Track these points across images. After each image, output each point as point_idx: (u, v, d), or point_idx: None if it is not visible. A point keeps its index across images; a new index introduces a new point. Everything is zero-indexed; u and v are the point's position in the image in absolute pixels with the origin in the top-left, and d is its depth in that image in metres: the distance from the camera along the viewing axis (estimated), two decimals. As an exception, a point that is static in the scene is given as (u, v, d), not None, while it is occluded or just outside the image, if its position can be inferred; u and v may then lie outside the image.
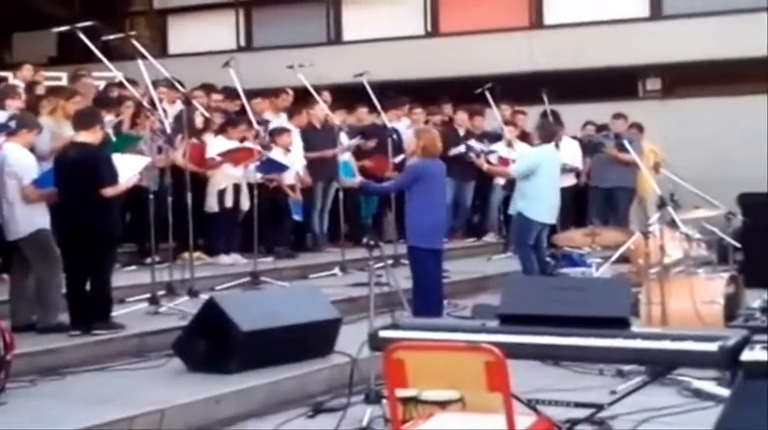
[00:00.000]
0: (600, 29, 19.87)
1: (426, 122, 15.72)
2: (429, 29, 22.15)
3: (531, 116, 16.44)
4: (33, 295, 8.94)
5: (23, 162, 8.91)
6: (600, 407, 6.24)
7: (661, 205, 9.61)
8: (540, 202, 11.71)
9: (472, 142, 14.97)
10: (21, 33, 24.16)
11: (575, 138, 16.50)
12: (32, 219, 8.87)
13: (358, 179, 12.75)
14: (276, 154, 13.03)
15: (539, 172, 11.69)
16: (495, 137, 16.04)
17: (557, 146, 14.99)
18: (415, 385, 5.13)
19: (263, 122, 13.57)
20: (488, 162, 13.98)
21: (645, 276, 9.55)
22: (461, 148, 14.88)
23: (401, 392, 5.28)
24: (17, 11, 23.01)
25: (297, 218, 13.47)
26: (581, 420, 6.05)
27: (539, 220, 11.74)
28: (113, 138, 10.82)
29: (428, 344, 5.22)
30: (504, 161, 14.40)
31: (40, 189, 8.90)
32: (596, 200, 16.09)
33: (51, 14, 21.44)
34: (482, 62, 19.73)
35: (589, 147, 16.19)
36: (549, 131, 12.23)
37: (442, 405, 5.86)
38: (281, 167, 12.92)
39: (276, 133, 13.49)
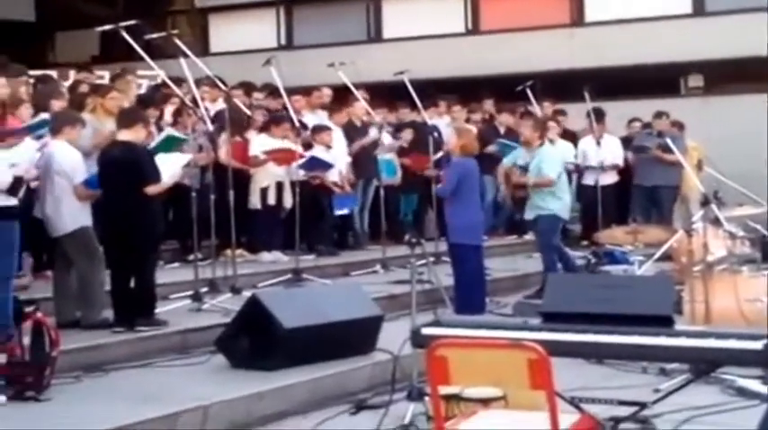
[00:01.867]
0: (642, 26, 19.76)
1: (467, 120, 15.71)
2: (470, 26, 22.12)
3: (572, 113, 16.42)
4: (76, 292, 9.01)
5: (71, 160, 8.96)
6: (643, 406, 6.22)
7: (704, 203, 9.54)
8: (564, 199, 11.81)
9: (500, 147, 14.90)
10: (64, 33, 24.34)
11: (623, 136, 16.42)
12: (76, 216, 8.94)
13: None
14: (317, 151, 13.07)
15: (562, 171, 11.82)
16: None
17: (598, 143, 15.03)
18: (458, 382, 5.14)
19: (302, 121, 13.59)
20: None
21: (688, 274, 9.48)
22: (493, 148, 14.83)
23: (444, 389, 5.27)
24: (60, 11, 23.20)
25: (340, 212, 13.45)
26: (624, 418, 6.03)
27: (564, 217, 11.82)
28: (159, 139, 10.88)
29: (471, 341, 5.22)
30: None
31: (90, 189, 8.97)
32: (639, 198, 16.01)
33: (94, 14, 21.60)
34: (523, 59, 19.69)
35: (634, 148, 16.09)
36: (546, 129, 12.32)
37: (485, 402, 5.85)
38: (326, 165, 12.97)
39: (317, 131, 13.52)
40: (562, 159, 12.01)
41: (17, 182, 8.03)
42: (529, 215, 11.87)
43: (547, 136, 12.19)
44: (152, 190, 8.90)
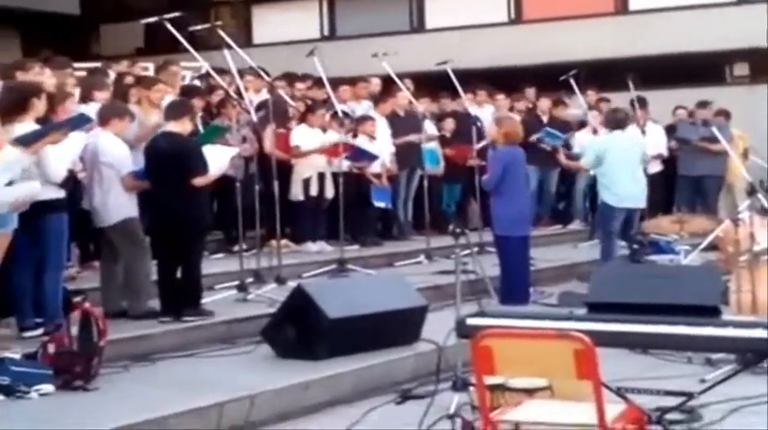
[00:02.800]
0: (686, 13, 19.66)
1: (511, 109, 15.68)
2: (513, 16, 22.10)
3: (616, 102, 16.33)
4: (123, 282, 9.08)
5: (119, 152, 9.02)
6: (690, 396, 6.18)
7: (751, 192, 9.49)
8: (615, 188, 11.75)
9: (545, 135, 14.88)
10: (108, 25, 24.54)
11: (667, 125, 16.32)
12: (122, 207, 9.00)
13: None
14: (361, 142, 13.10)
15: (607, 159, 11.77)
16: (579, 124, 15.96)
17: (642, 132, 14.95)
18: (503, 372, 5.14)
19: (345, 111, 13.60)
20: (568, 156, 13.88)
21: (734, 264, 9.43)
22: (537, 135, 14.83)
23: (489, 379, 5.26)
24: (105, 3, 23.37)
25: (379, 204, 13.47)
26: (671, 409, 6.00)
27: (619, 206, 11.74)
28: (201, 129, 10.95)
29: (517, 331, 5.22)
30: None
31: (138, 180, 9.05)
32: (684, 188, 15.92)
33: (138, 6, 21.79)
34: (566, 48, 19.64)
35: (676, 139, 16.00)
36: (617, 119, 12.19)
37: (531, 392, 5.85)
38: (371, 156, 13.00)
39: (360, 121, 13.55)
40: (603, 148, 11.92)
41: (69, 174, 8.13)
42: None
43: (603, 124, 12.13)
44: (199, 181, 8.96)
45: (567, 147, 14.70)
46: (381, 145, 13.53)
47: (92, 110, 9.72)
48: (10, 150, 7.24)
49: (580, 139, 15.01)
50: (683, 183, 15.95)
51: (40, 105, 8.02)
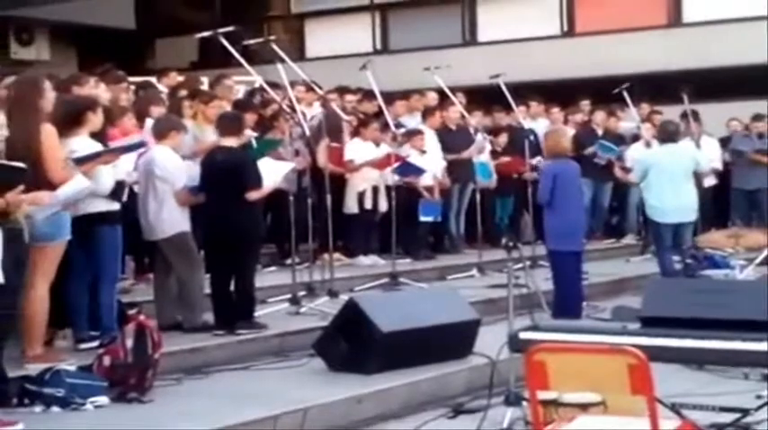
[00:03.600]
0: (740, 25, 19.47)
1: (565, 122, 15.64)
2: (565, 28, 22.02)
3: (669, 115, 16.21)
4: (177, 295, 9.14)
5: (173, 166, 9.07)
6: (745, 412, 6.14)
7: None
8: (660, 203, 11.70)
9: (599, 148, 14.84)
10: (163, 39, 24.75)
11: (721, 138, 16.20)
12: (176, 221, 9.04)
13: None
14: (410, 156, 13.10)
15: (651, 173, 11.71)
16: (633, 137, 15.88)
17: (697, 145, 14.84)
18: (557, 387, 5.10)
19: (398, 125, 13.61)
20: (622, 169, 13.83)
21: (790, 278, 9.31)
22: (591, 149, 14.79)
23: (542, 394, 5.25)
24: (160, 18, 23.59)
25: (426, 219, 13.43)
26: (726, 425, 5.96)
27: (664, 221, 11.68)
28: (254, 143, 11.01)
29: (570, 346, 5.19)
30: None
31: (192, 195, 9.12)
32: (739, 202, 15.79)
33: (192, 21, 21.97)
34: (619, 61, 19.54)
35: (731, 151, 15.87)
36: (668, 131, 12.13)
37: (584, 408, 5.81)
38: (419, 171, 13.00)
39: (410, 135, 13.55)
40: (649, 163, 11.87)
41: (119, 186, 8.20)
42: None
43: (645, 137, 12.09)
44: (253, 195, 9.01)
45: (620, 160, 14.66)
46: (431, 158, 13.53)
47: (148, 125, 9.83)
48: (80, 179, 7.37)
49: (633, 153, 14.94)
50: (737, 197, 15.82)
51: (95, 119, 8.12)
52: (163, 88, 12.82)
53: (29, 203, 6.70)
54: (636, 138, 15.75)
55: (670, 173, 11.75)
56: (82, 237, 7.82)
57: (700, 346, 5.69)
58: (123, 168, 8.41)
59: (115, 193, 8.16)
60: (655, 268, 12.04)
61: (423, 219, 13.31)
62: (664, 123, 12.74)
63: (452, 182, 14.12)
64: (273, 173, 9.44)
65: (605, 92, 16.22)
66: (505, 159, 14.69)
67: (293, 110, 11.30)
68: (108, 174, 8.01)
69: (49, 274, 7.56)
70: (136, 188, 9.17)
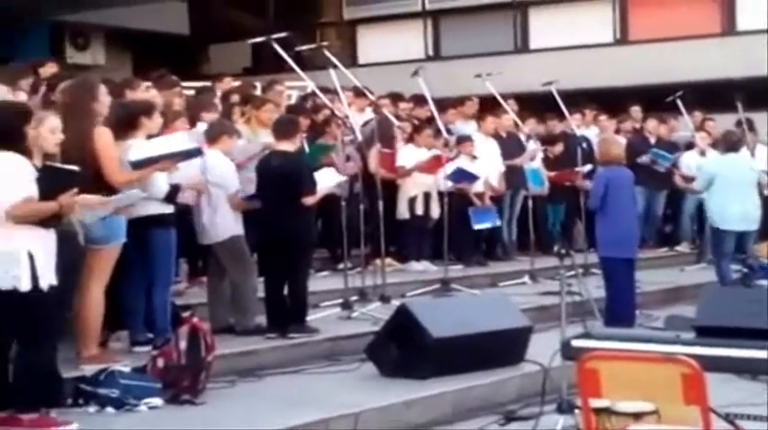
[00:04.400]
0: (796, 34, 19.29)
1: (617, 131, 15.57)
2: (618, 36, 21.93)
3: (723, 124, 16.09)
4: (230, 298, 9.20)
5: (225, 170, 9.14)
6: (800, 423, 6.08)
7: None
8: (723, 211, 11.64)
9: (653, 156, 14.77)
10: (217, 45, 24.93)
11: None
12: (229, 225, 9.11)
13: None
14: (462, 162, 13.10)
15: (717, 181, 11.68)
16: (686, 145, 15.78)
17: (752, 154, 14.72)
18: (609, 395, 5.09)
19: (450, 132, 13.61)
20: (683, 178, 13.75)
21: None
22: (646, 158, 14.73)
23: (595, 402, 5.23)
24: (214, 24, 23.76)
25: (480, 227, 13.41)
26: (781, 436, 5.91)
27: (728, 229, 11.60)
28: (307, 148, 11.07)
29: (624, 354, 5.17)
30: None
31: (248, 200, 9.18)
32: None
33: (246, 26, 22.08)
34: (673, 69, 19.44)
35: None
36: (731, 141, 12.07)
37: (637, 417, 5.78)
38: (472, 177, 13.00)
39: (461, 141, 13.55)
40: (714, 171, 11.83)
41: (174, 190, 8.27)
42: None
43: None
44: (309, 200, 9.08)
45: (675, 168, 14.59)
46: (488, 164, 13.51)
47: (198, 129, 9.89)
48: (135, 191, 7.46)
49: (688, 161, 14.85)
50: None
51: (149, 124, 8.18)
52: (218, 93, 12.93)
53: (80, 206, 6.76)
54: (689, 146, 15.65)
55: (736, 181, 11.74)
56: (136, 240, 7.89)
57: (754, 356, 5.64)
58: (186, 175, 8.47)
59: (169, 197, 8.23)
60: (710, 277, 11.95)
61: (476, 227, 13.29)
62: (727, 133, 12.69)
63: (504, 188, 14.10)
64: (325, 179, 9.49)
65: (657, 100, 16.13)
66: (559, 173, 14.60)
67: (345, 115, 11.34)
68: (162, 179, 8.08)
69: (105, 277, 7.65)
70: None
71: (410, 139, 13.02)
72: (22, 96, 10.14)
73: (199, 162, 8.69)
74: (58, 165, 6.67)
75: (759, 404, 7.05)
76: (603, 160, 10.78)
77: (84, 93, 7.81)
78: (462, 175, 12.88)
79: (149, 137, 8.25)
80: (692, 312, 8.39)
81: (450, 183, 12.58)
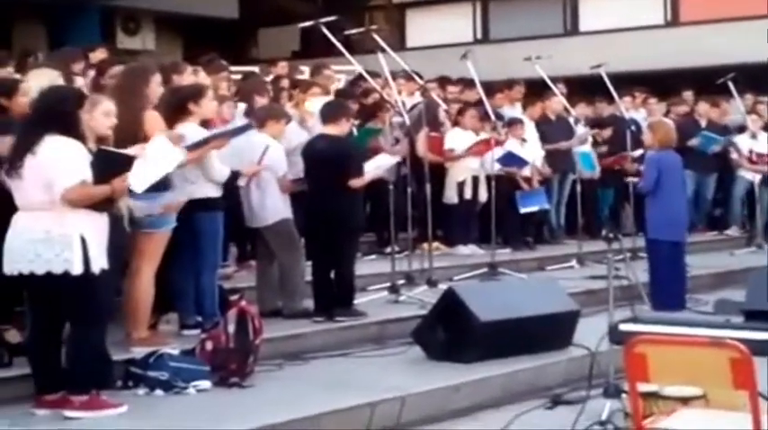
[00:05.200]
0: None
1: (667, 113, 15.46)
2: (669, 18, 21.78)
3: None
4: (278, 282, 9.24)
5: (275, 154, 9.14)
6: None
7: None
8: None
9: (702, 139, 14.67)
10: (266, 29, 25.02)
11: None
12: (278, 208, 9.14)
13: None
14: (512, 145, 13.07)
15: None
16: (738, 128, 15.65)
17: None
18: (657, 380, 5.07)
19: (498, 115, 13.57)
20: (750, 160, 13.61)
21: None
22: (696, 141, 14.62)
23: (642, 387, 5.21)
24: (263, 8, 23.83)
25: (525, 210, 13.37)
26: (830, 420, 5.85)
27: None
28: (355, 132, 11.09)
29: (671, 338, 5.13)
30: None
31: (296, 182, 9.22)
32: None
33: (295, 11, 22.16)
34: (724, 52, 19.27)
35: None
36: None
37: (685, 401, 5.77)
38: (522, 161, 12.98)
39: (511, 124, 13.52)
40: None
41: (233, 175, 8.33)
42: None
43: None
44: (356, 183, 9.08)
45: (726, 151, 14.46)
46: (530, 148, 13.48)
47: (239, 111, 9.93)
48: (163, 141, 7.29)
49: (740, 143, 14.72)
50: None
51: (198, 109, 8.21)
52: (268, 77, 13.00)
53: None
54: (741, 129, 15.51)
55: None
56: (185, 224, 7.94)
57: (804, 341, 5.59)
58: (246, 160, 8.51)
59: (228, 182, 8.29)
60: (760, 261, 11.83)
61: (524, 210, 13.25)
62: None
63: (552, 172, 14.05)
64: (377, 163, 9.52)
65: (708, 82, 15.98)
66: (611, 158, 14.50)
67: (393, 99, 11.34)
68: (221, 162, 8.13)
69: (155, 260, 7.72)
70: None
71: (456, 123, 12.99)
72: (79, 82, 10.24)
73: (259, 148, 8.74)
74: (112, 149, 6.70)
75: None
76: (659, 145, 10.69)
77: (137, 77, 7.88)
78: (512, 159, 12.85)
79: (203, 122, 8.32)
80: (741, 296, 8.39)
81: (498, 167, 12.56)
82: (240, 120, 9.64)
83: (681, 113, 15.80)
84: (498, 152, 12.57)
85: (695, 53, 19.92)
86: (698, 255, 12.91)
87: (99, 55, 12.20)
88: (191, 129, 8.02)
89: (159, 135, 7.33)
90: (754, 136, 14.64)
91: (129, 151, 6.74)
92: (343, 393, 7.06)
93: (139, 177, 6.71)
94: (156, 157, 6.99)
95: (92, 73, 10.86)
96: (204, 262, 8.26)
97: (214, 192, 8.24)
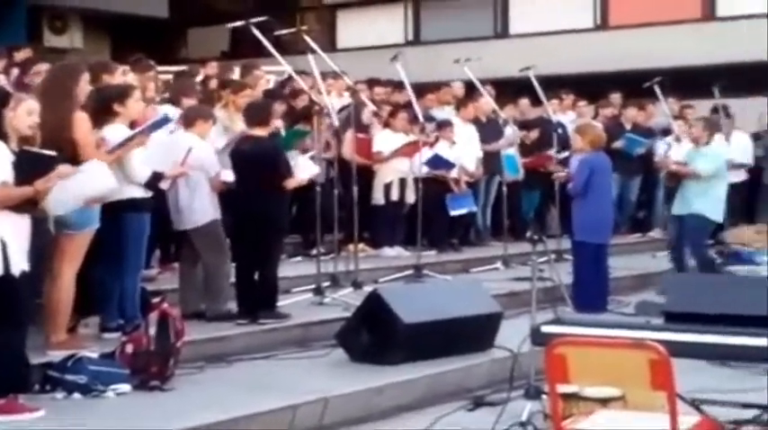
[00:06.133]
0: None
1: (596, 116, 15.58)
2: (598, 22, 21.92)
3: (700, 110, 16.12)
4: (202, 284, 9.15)
5: (204, 153, 9.03)
6: (766, 409, 6.10)
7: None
8: (719, 203, 11.56)
9: (627, 141, 14.82)
10: (195, 29, 24.85)
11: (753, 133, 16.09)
12: (207, 209, 9.04)
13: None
14: (441, 147, 13.09)
15: (721, 172, 11.55)
16: (663, 132, 15.80)
17: (728, 140, 14.79)
18: (577, 381, 5.10)
19: (429, 117, 13.58)
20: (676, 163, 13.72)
21: (818, 276, 9.26)
22: (620, 143, 14.75)
23: (562, 388, 5.24)
24: (193, 7, 23.67)
25: (455, 213, 13.41)
26: (746, 421, 5.93)
27: (717, 221, 11.59)
28: (283, 133, 11.03)
29: (591, 340, 5.17)
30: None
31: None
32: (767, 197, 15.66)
33: (225, 10, 22.03)
34: (652, 55, 19.43)
35: (762, 148, 15.76)
36: (717, 126, 12.05)
37: (604, 402, 5.80)
38: (449, 164, 13.00)
39: (441, 127, 13.53)
40: (723, 161, 11.78)
41: (155, 177, 8.22)
42: (674, 209, 11.74)
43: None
44: (291, 183, 9.09)
45: (650, 154, 14.58)
46: (466, 150, 13.49)
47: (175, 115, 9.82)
48: (109, 181, 7.31)
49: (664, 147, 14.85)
50: (766, 192, 15.68)
51: (124, 110, 8.11)
52: (197, 78, 12.87)
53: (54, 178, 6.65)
54: (666, 132, 15.66)
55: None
56: (110, 225, 7.83)
57: (722, 342, 5.67)
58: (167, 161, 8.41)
59: (150, 183, 8.18)
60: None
61: (454, 213, 13.28)
62: (713, 119, 12.73)
63: (481, 174, 14.10)
64: (304, 166, 9.49)
65: (636, 86, 16.14)
66: (534, 157, 14.61)
67: (322, 100, 11.29)
68: (141, 163, 8.03)
69: (76, 262, 7.61)
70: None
71: (386, 125, 12.98)
72: (1, 80, 10.08)
73: (183, 150, 8.65)
74: (35, 149, 6.59)
75: (727, 390, 7.07)
76: (590, 147, 10.73)
77: (66, 76, 7.75)
78: (439, 162, 12.87)
79: (131, 124, 8.22)
80: (662, 298, 8.43)
81: (426, 169, 12.57)
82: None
83: (608, 116, 15.92)
84: (426, 154, 12.58)
85: (624, 57, 20.07)
86: (621, 257, 13.03)
87: (23, 54, 12.02)
88: (117, 132, 7.93)
89: (96, 160, 7.25)
90: (678, 139, 14.76)
91: (53, 152, 6.62)
92: (265, 395, 7.02)
93: (60, 200, 6.64)
94: (84, 182, 6.93)
95: (15, 71, 10.71)
96: (128, 264, 8.17)
97: (141, 192, 8.14)
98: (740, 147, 15.34)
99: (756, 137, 16.06)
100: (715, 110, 15.34)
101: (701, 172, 11.48)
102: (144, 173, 8.09)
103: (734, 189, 14.56)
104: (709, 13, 20.84)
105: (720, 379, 7.69)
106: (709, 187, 11.52)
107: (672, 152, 12.81)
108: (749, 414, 6.02)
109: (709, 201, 11.48)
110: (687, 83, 17.36)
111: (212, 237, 9.05)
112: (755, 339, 5.59)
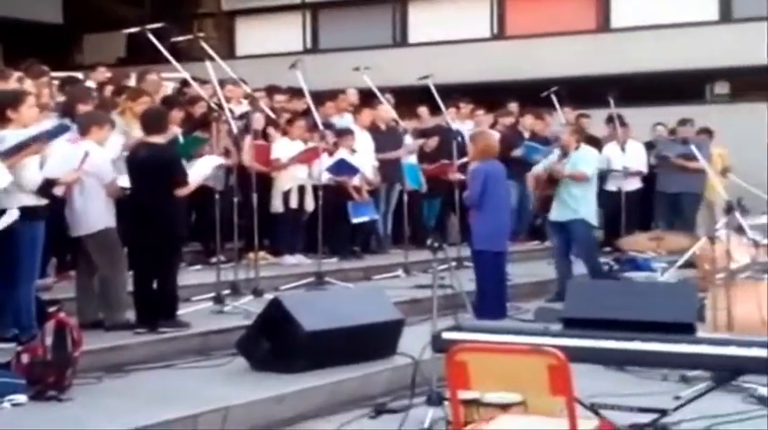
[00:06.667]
0: (668, 32, 19.72)
1: (494, 125, 15.71)
2: (495, 31, 22.12)
3: (597, 119, 16.38)
4: (99, 293, 9.03)
5: (99, 160, 8.88)
6: (663, 413, 6.20)
7: (728, 210, 9.53)
8: (595, 207, 11.81)
9: (525, 149, 14.97)
10: (91, 35, 24.49)
11: (647, 142, 16.38)
12: (101, 216, 8.92)
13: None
14: (341, 155, 13.09)
15: (594, 175, 11.83)
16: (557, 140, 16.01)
17: (622, 149, 15.05)
18: (478, 387, 5.13)
19: (328, 125, 13.58)
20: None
21: (711, 282, 9.44)
22: (519, 151, 14.90)
23: (463, 394, 5.27)
24: (88, 13, 23.35)
25: (358, 220, 13.44)
26: (644, 425, 6.02)
27: (596, 225, 11.80)
28: (181, 140, 10.93)
29: (491, 346, 5.21)
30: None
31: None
32: (662, 205, 15.95)
33: (121, 16, 21.77)
34: (548, 65, 19.69)
35: (655, 156, 16.04)
36: (583, 132, 12.32)
37: (505, 408, 5.84)
38: (353, 169, 13.01)
39: (341, 134, 13.54)
40: (597, 163, 12.02)
41: (48, 183, 8.07)
42: (556, 216, 11.81)
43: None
44: (182, 191, 8.96)
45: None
46: (363, 158, 13.53)
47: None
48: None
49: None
50: (660, 200, 15.98)
51: (18, 116, 7.95)
52: (91, 84, 12.68)
53: None
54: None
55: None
56: (3, 232, 7.67)
57: (620, 347, 5.75)
58: (62, 168, 8.26)
59: (42, 190, 8.03)
60: (578, 269, 12.09)
61: (356, 220, 13.30)
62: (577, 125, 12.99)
63: (380, 182, 14.13)
64: (200, 167, 9.39)
65: (533, 95, 16.34)
66: (433, 166, 14.68)
67: (221, 107, 11.23)
68: (33, 171, 7.88)
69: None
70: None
71: (285, 132, 12.94)
72: None
73: (78, 156, 8.49)
74: None
75: (625, 394, 7.18)
76: (482, 156, 10.84)
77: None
78: (344, 168, 12.87)
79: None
80: (560, 305, 8.53)
81: (328, 176, 12.57)
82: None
83: (507, 125, 16.07)
84: (327, 161, 12.58)
85: (521, 66, 20.30)
86: (519, 264, 13.18)
87: None
88: (9, 136, 7.77)
89: None
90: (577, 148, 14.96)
91: None
92: (165, 405, 6.94)
93: None
94: None
95: None
96: (22, 272, 7.99)
97: (33, 200, 7.98)
98: (635, 156, 15.63)
99: (650, 145, 16.35)
100: (610, 119, 15.59)
101: (586, 174, 11.66)
102: (35, 179, 7.92)
103: (629, 196, 14.91)
104: (603, 25, 21.15)
105: (618, 383, 7.82)
106: (587, 191, 11.74)
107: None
108: (646, 418, 6.11)
109: (590, 206, 11.74)
110: (583, 92, 17.62)
111: (107, 245, 8.92)
112: (652, 344, 5.68)
